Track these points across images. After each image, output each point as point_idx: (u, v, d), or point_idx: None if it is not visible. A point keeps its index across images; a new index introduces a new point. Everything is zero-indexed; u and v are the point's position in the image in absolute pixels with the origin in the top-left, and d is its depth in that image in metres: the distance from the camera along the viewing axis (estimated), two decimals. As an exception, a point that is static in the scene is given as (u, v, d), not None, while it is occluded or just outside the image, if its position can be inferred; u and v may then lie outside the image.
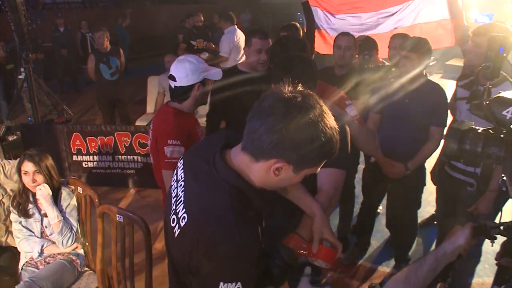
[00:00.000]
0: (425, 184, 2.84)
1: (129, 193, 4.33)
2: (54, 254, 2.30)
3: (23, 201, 2.24)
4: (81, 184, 2.35)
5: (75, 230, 2.30)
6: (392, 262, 3.20)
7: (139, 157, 4.18)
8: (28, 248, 2.25)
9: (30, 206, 2.27)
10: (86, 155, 4.21)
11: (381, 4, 3.83)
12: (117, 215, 2.05)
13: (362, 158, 3.33)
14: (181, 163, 1.20)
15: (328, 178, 1.54)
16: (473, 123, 1.20)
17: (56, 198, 2.28)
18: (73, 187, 2.39)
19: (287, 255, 1.25)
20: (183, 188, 1.11)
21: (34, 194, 2.28)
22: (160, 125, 2.03)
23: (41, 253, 2.27)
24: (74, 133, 4.14)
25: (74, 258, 2.31)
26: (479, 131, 1.14)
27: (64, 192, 2.31)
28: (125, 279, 2.11)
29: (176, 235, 1.06)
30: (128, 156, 4.18)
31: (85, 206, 2.34)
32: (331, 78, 2.90)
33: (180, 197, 1.10)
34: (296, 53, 1.75)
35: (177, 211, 1.08)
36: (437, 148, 2.63)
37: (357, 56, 3.49)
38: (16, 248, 2.36)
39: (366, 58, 3.54)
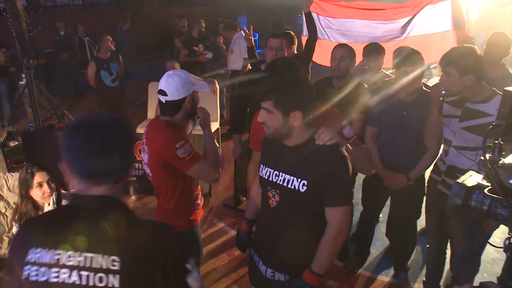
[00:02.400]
0: (425, 194, 2.86)
1: (130, 200, 4.35)
2: None
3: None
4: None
5: None
6: (392, 271, 3.23)
7: (140, 165, 4.19)
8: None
9: None
10: (87, 162, 4.22)
11: (387, 16, 3.85)
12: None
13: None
14: None
15: (333, 217, 1.63)
16: (481, 177, 1.12)
17: None
18: None
19: None
20: None
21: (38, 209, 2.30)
22: (156, 138, 2.01)
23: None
24: (76, 141, 4.15)
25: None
26: (487, 190, 1.07)
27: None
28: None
29: None
30: (129, 163, 4.20)
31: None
32: (329, 89, 2.92)
33: None
34: (288, 76, 1.75)
35: None
36: (436, 157, 2.67)
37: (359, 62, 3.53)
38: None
39: (374, 61, 3.55)
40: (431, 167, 2.67)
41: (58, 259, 1.02)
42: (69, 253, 1.02)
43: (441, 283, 2.93)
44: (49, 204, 2.26)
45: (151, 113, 5.31)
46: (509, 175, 1.02)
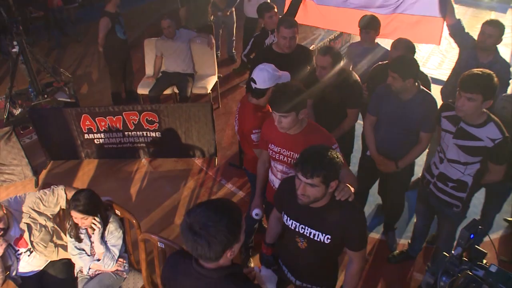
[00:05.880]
0: (413, 175, 3.23)
1: (141, 164, 4.66)
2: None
3: (74, 232, 2.59)
4: (120, 209, 2.68)
5: (116, 258, 2.64)
6: (382, 228, 3.74)
7: (148, 132, 4.42)
8: (80, 263, 2.67)
9: (82, 231, 2.63)
10: (97, 133, 4.42)
11: None
12: (158, 243, 2.44)
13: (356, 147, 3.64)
14: None
15: (355, 258, 2.04)
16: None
17: (103, 230, 2.60)
18: (119, 213, 2.71)
19: None
20: None
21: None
22: (245, 118, 2.79)
23: (90, 268, 2.68)
24: (83, 115, 4.29)
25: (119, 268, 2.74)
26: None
27: (112, 226, 2.61)
28: None
29: None
30: (138, 132, 4.42)
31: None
32: (315, 82, 3.07)
33: None
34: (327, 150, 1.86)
35: None
36: (425, 150, 3.00)
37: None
38: (69, 259, 2.79)
39: (366, 35, 3.67)
40: (425, 165, 2.97)
41: None
42: None
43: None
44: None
45: (149, 70, 5.36)
46: None
